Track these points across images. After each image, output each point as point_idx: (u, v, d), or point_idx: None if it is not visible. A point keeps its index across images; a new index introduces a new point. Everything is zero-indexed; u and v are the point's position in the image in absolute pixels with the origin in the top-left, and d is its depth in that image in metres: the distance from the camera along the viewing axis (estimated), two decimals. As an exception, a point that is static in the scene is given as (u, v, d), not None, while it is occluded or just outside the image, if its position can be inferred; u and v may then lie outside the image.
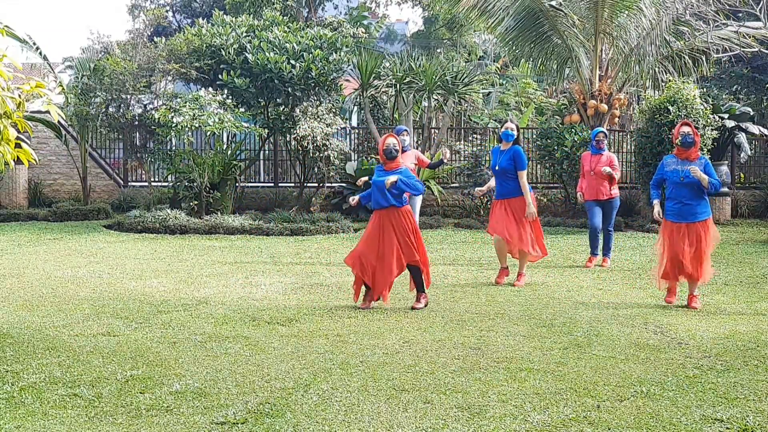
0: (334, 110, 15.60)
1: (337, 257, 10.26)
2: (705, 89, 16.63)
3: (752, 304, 7.43)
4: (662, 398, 4.53)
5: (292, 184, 16.66)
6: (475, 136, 18.02)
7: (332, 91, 15.10)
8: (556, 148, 14.67)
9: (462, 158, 16.64)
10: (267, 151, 17.13)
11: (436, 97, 16.33)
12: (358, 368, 5.08)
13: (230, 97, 13.97)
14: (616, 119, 15.78)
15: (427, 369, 5.08)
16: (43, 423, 4.07)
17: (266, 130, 14.88)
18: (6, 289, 7.83)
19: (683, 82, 13.98)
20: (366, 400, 4.47)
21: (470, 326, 6.33)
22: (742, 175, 17.89)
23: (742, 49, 14.74)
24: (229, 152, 14.66)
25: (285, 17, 16.96)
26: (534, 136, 16.22)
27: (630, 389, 4.68)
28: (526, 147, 15.89)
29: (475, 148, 16.67)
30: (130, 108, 13.99)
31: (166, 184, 15.84)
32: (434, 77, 14.78)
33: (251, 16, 15.97)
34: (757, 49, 15.07)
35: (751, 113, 15.94)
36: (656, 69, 15.20)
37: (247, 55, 13.86)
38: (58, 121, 13.75)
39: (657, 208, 7.43)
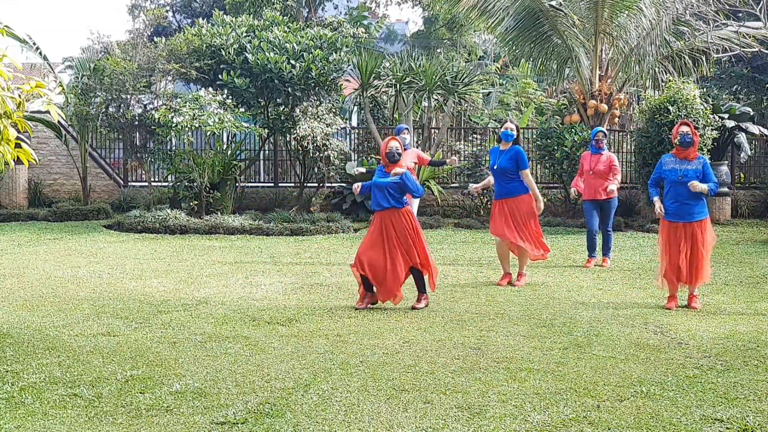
0: (334, 110, 15.60)
1: (337, 257, 10.26)
2: (705, 89, 16.64)
3: (752, 304, 7.43)
4: (662, 398, 4.53)
5: (292, 184, 16.65)
6: (475, 136, 18.02)
7: (332, 91, 15.11)
8: (556, 148, 14.67)
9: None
10: (267, 151, 17.13)
11: (436, 97, 16.32)
12: (358, 368, 5.08)
13: (230, 97, 13.97)
14: (616, 119, 15.79)
15: (427, 369, 5.08)
16: (43, 423, 4.08)
17: (266, 130, 14.88)
18: (6, 289, 7.83)
19: (683, 82, 13.97)
20: (366, 400, 4.47)
21: (470, 326, 6.33)
22: (742, 175, 17.88)
23: (742, 49, 14.73)
24: (229, 152, 14.67)
25: (285, 17, 16.95)
26: (534, 136, 16.21)
27: (630, 389, 4.68)
28: (526, 147, 15.89)
29: (475, 148, 16.69)
30: (130, 108, 13.98)
31: (166, 184, 15.83)
32: (434, 77, 14.78)
33: (251, 16, 15.97)
34: (757, 49, 15.06)
35: (751, 113, 15.94)
36: (656, 69, 15.20)
37: (247, 55, 13.86)
38: (58, 121, 13.76)
39: (658, 204, 7.41)
